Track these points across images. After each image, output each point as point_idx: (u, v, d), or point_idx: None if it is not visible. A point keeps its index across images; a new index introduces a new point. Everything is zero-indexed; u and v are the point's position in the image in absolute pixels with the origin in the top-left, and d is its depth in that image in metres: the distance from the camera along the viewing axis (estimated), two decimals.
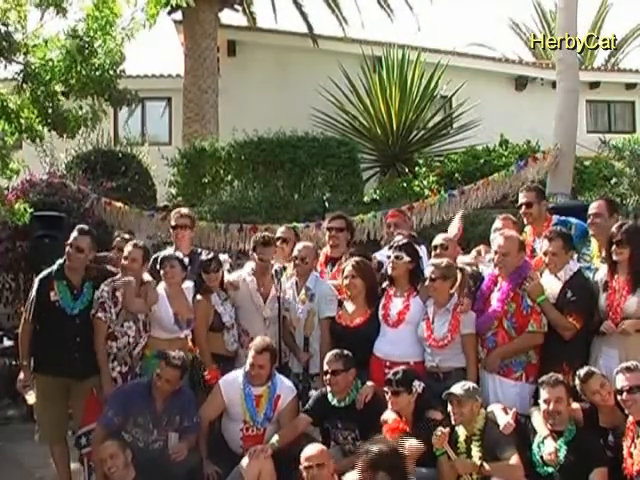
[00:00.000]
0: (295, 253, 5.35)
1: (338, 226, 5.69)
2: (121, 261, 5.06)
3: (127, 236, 5.78)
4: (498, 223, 5.48)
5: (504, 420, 4.14)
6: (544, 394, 4.13)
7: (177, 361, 4.54)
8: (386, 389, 4.44)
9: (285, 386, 4.82)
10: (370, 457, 3.78)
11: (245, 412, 4.70)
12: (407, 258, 4.96)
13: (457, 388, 4.22)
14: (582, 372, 4.16)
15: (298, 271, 5.33)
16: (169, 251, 5.51)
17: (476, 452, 4.15)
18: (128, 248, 5.04)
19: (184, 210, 5.94)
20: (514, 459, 4.06)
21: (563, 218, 5.42)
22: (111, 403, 4.59)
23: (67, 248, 5.00)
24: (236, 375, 4.81)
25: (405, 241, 5.11)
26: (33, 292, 5.02)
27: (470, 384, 4.30)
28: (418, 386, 4.38)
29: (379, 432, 4.52)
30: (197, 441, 4.72)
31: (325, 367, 4.60)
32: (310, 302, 5.18)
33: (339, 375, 4.55)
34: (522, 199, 5.39)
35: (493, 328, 4.69)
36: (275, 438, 4.58)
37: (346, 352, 4.62)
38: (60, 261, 5.08)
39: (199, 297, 5.16)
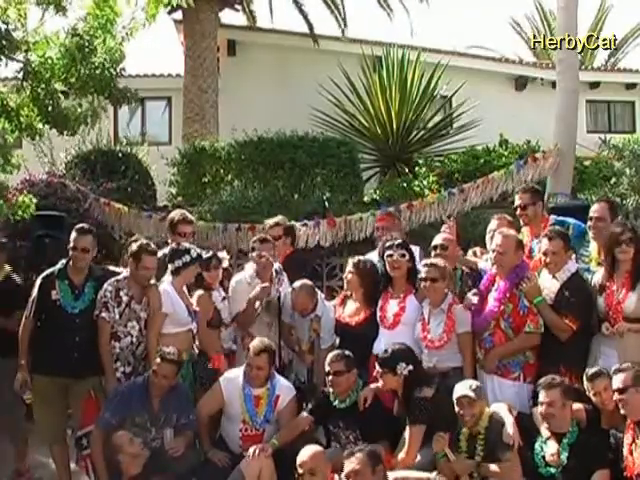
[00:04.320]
0: (292, 300, 5.28)
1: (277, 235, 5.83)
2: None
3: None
4: (493, 223, 5.48)
5: (509, 430, 4.12)
6: (540, 396, 4.15)
7: (172, 356, 4.56)
8: (379, 369, 4.48)
9: (284, 386, 4.82)
10: (367, 451, 3.83)
11: (244, 413, 4.70)
12: (407, 256, 4.97)
13: (466, 389, 4.19)
14: (591, 371, 4.18)
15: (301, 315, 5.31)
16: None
17: (480, 451, 4.15)
18: (144, 256, 4.95)
19: (189, 216, 5.84)
20: (512, 461, 4.07)
21: (560, 218, 5.41)
22: (108, 404, 4.60)
23: (71, 251, 4.99)
24: (237, 374, 4.82)
25: (401, 240, 5.11)
26: (35, 290, 5.02)
27: (475, 383, 4.29)
28: (403, 369, 4.38)
29: (380, 433, 4.55)
30: (196, 436, 4.74)
31: (327, 368, 4.61)
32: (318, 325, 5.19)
33: (341, 376, 4.57)
34: (517, 201, 5.39)
35: (490, 328, 4.70)
36: (275, 437, 4.60)
37: (347, 353, 4.63)
38: (64, 261, 5.09)
39: (200, 292, 5.17)
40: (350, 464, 3.79)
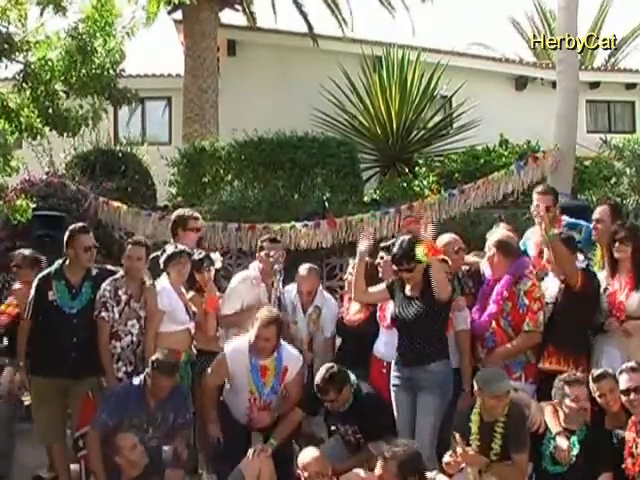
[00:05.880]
0: (298, 284, 5.35)
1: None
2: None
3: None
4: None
5: (536, 416, 4.10)
6: (574, 391, 4.07)
7: (169, 369, 4.48)
8: (395, 267, 4.48)
9: (293, 356, 4.79)
10: (401, 459, 3.59)
11: (251, 384, 4.66)
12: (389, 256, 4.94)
13: (501, 386, 4.08)
14: (596, 372, 4.16)
15: (304, 300, 5.34)
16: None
17: (499, 439, 4.06)
18: (129, 247, 5.01)
19: (197, 214, 5.85)
20: (522, 464, 4.03)
21: (573, 221, 5.39)
22: (104, 406, 4.56)
23: (79, 252, 4.94)
24: (241, 344, 4.75)
25: (393, 241, 5.09)
26: (32, 291, 5.00)
27: (506, 379, 4.19)
28: None
29: (380, 430, 4.51)
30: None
31: (319, 395, 4.51)
32: (319, 319, 5.22)
33: (337, 402, 4.49)
34: (538, 201, 5.30)
35: (491, 328, 4.70)
36: (273, 437, 4.58)
37: (335, 370, 4.47)
38: (60, 261, 5.08)
39: (192, 293, 5.17)
40: (378, 470, 3.60)
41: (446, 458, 4.04)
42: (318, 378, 4.48)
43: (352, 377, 4.57)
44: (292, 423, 4.71)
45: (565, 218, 5.41)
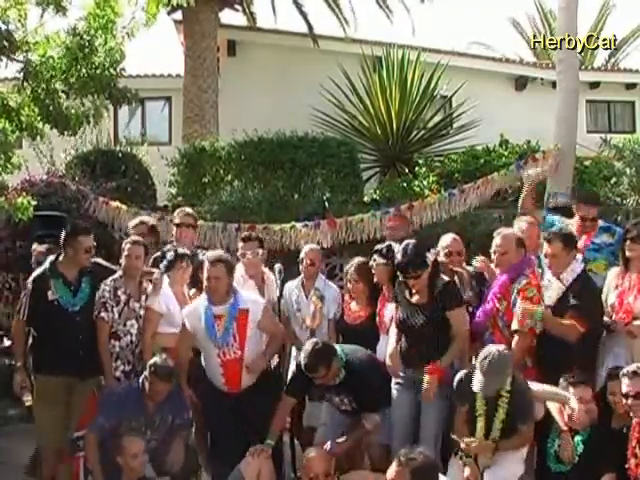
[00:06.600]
0: (302, 255, 5.46)
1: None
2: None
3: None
4: (520, 226, 5.29)
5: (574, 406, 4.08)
6: (578, 392, 4.10)
7: (166, 374, 4.48)
8: (401, 275, 4.41)
9: (249, 298, 4.76)
10: (415, 467, 3.40)
11: (207, 332, 4.63)
12: (382, 260, 4.89)
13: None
14: (609, 371, 4.20)
15: (306, 274, 5.43)
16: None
17: (502, 414, 4.07)
18: (127, 246, 5.00)
19: (188, 209, 5.96)
20: (526, 433, 4.07)
21: (607, 225, 5.40)
22: (102, 409, 4.55)
23: (79, 252, 4.91)
24: (198, 301, 4.81)
25: (387, 244, 5.07)
26: (28, 292, 4.95)
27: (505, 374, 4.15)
28: (431, 255, 4.40)
29: (375, 404, 4.48)
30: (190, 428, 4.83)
31: (308, 374, 4.41)
32: (322, 303, 5.23)
33: (326, 377, 4.39)
34: (587, 214, 5.29)
35: (490, 328, 4.69)
36: (269, 437, 4.53)
37: (319, 347, 4.34)
38: (52, 258, 5.03)
39: (194, 291, 5.18)
40: (391, 473, 3.50)
41: (467, 472, 4.02)
42: (304, 355, 4.33)
43: (338, 349, 4.44)
44: (284, 414, 4.68)
45: (600, 222, 5.40)
